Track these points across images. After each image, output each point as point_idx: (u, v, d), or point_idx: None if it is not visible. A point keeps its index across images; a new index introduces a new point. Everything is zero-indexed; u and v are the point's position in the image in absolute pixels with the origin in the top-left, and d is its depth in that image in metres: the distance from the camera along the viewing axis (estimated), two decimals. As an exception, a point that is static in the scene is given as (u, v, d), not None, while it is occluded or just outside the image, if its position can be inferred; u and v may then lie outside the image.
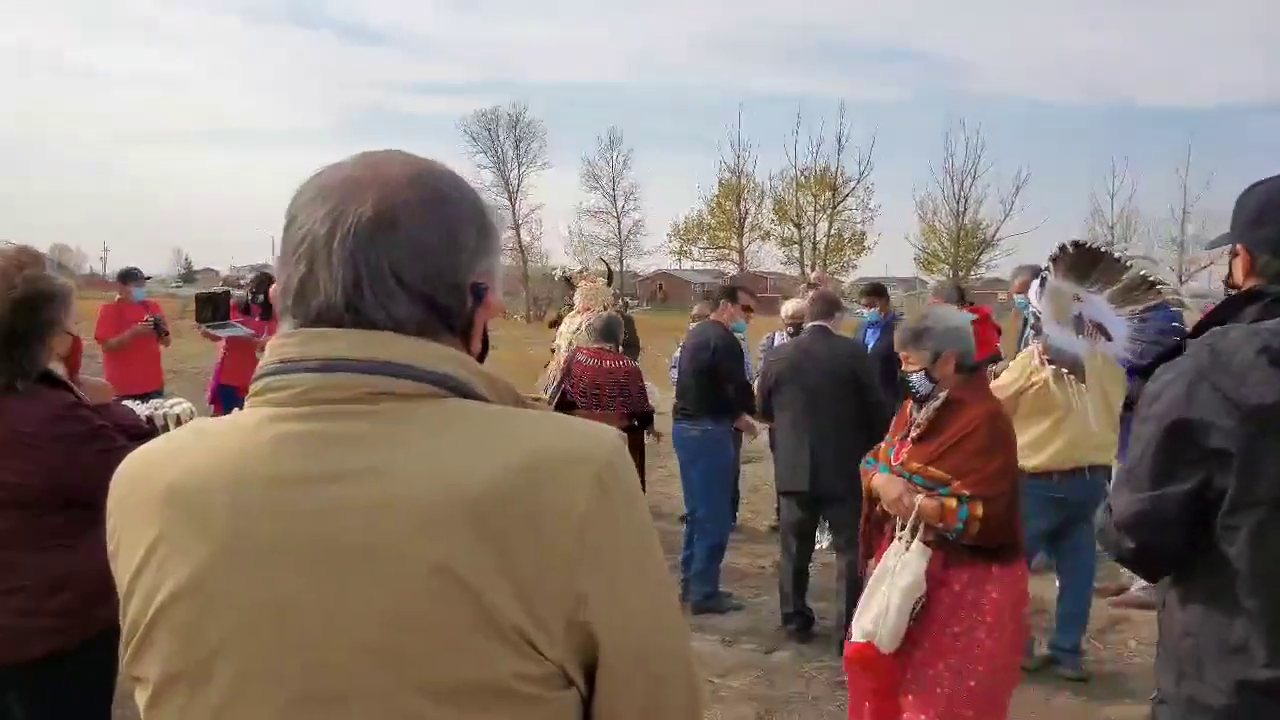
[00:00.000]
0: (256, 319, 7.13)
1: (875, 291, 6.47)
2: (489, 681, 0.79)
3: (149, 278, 7.79)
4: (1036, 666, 4.08)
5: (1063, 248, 3.92)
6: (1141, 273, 3.82)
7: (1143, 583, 4.78)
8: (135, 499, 0.87)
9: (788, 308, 6.23)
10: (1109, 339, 3.84)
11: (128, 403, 3.19)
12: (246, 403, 0.88)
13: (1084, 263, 3.88)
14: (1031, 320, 4.24)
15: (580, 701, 0.85)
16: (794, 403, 4.51)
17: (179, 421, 3.09)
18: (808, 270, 31.67)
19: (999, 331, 5.84)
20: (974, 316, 3.25)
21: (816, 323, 4.62)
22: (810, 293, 5.40)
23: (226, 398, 7.25)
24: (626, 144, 53.58)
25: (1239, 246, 1.72)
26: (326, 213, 0.85)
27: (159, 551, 0.84)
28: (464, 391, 0.85)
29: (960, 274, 32.28)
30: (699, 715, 0.92)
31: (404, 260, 0.85)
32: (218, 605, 0.81)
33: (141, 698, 0.87)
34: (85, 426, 2.17)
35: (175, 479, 0.85)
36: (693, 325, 5.76)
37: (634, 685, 0.85)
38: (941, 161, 37.50)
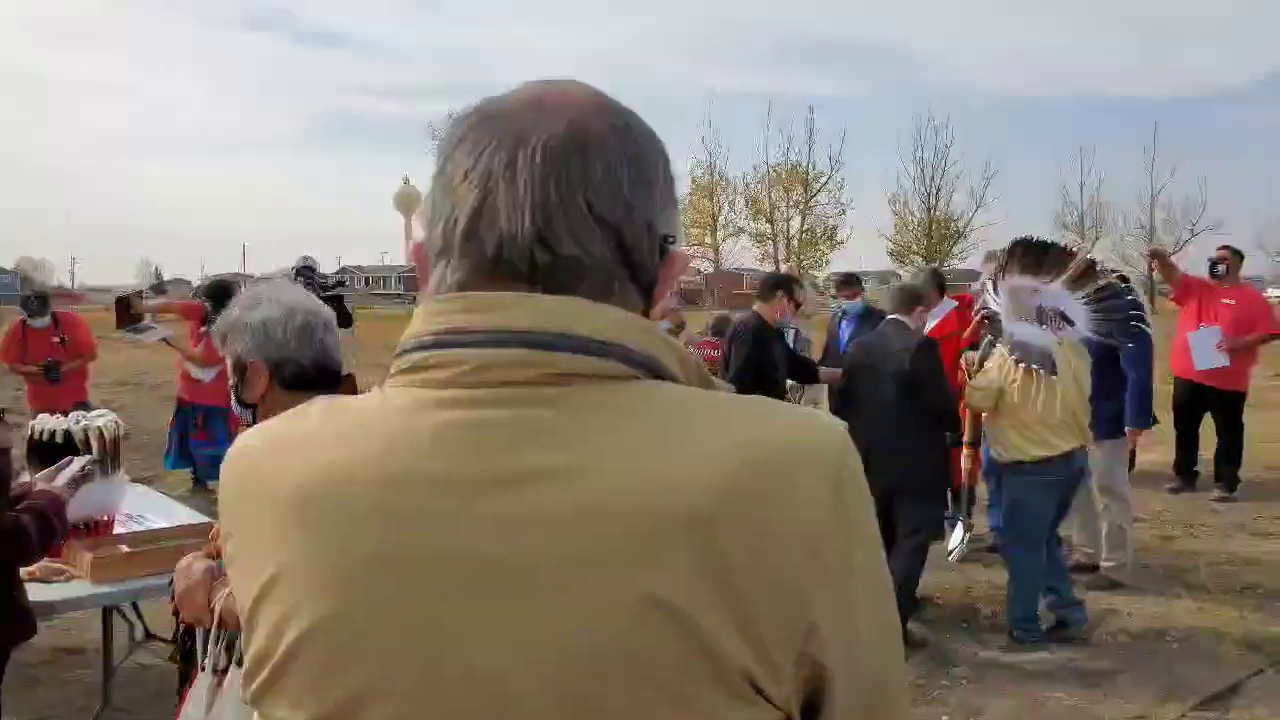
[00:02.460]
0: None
1: (847, 282, 6.40)
2: None
3: (48, 295, 7.84)
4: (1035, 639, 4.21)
5: (1013, 247, 4.36)
6: (1088, 256, 4.31)
7: (1109, 560, 4.99)
8: (254, 500, 0.72)
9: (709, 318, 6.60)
10: (1071, 324, 4.27)
11: (46, 417, 2.96)
12: (390, 380, 0.72)
13: (1035, 256, 4.31)
14: (991, 320, 4.49)
15: None
16: (861, 396, 4.57)
17: (101, 436, 2.86)
18: (782, 265, 31.63)
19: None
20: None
21: (893, 316, 4.65)
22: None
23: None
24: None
25: None
26: (504, 136, 0.71)
27: (290, 574, 0.69)
28: (658, 371, 0.71)
29: (933, 264, 32.31)
30: None
31: (597, 189, 0.70)
32: (368, 638, 0.66)
33: None
34: None
35: (308, 478, 0.69)
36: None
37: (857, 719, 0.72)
38: (912, 155, 37.67)
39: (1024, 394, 4.15)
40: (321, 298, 6.87)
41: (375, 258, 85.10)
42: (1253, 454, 7.16)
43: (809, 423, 0.71)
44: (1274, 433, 8.75)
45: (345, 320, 7.60)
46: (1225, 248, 7.20)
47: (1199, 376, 6.80)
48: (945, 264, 34.01)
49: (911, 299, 4.67)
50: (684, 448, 0.66)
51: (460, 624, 0.64)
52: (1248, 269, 7.49)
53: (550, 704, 0.63)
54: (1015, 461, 4.27)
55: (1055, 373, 4.12)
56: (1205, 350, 6.73)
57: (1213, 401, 6.84)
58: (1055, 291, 4.24)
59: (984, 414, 4.43)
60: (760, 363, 5.14)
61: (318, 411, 0.75)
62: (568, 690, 0.63)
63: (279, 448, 0.73)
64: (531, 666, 0.63)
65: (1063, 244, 4.39)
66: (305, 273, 7.47)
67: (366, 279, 74.07)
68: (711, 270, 38.67)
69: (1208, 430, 7.03)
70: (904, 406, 4.31)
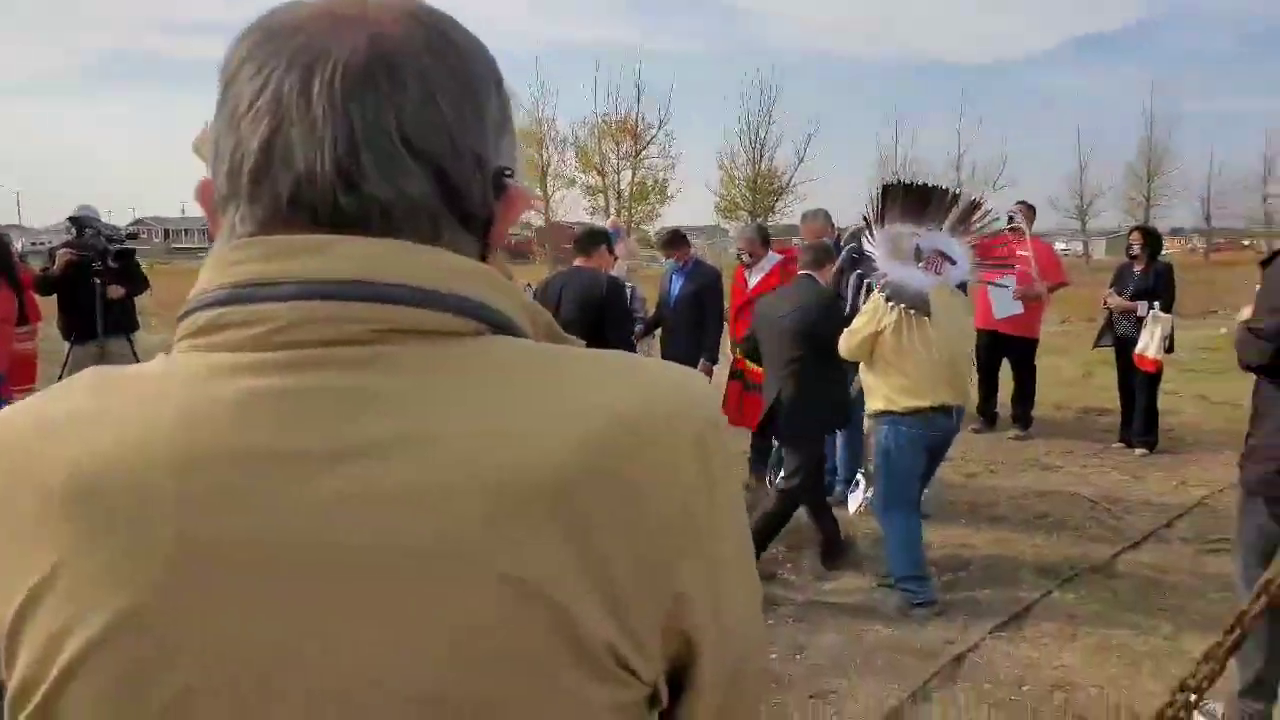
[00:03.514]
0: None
1: (671, 241, 6.36)
2: None
3: None
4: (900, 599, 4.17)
5: (890, 191, 4.17)
6: (972, 198, 4.19)
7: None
8: (14, 493, 0.58)
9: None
10: (953, 263, 4.13)
11: None
12: (177, 346, 0.61)
13: (916, 203, 4.14)
14: (870, 274, 4.37)
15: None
16: (767, 349, 4.66)
17: None
18: (613, 218, 31.71)
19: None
20: None
21: (804, 271, 4.68)
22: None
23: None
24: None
25: None
26: (295, 54, 0.60)
27: (63, 580, 0.56)
28: (503, 325, 0.62)
29: (759, 220, 33.31)
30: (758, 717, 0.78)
31: (413, 117, 0.60)
32: (174, 645, 0.55)
33: None
34: None
35: (85, 464, 0.57)
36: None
37: (720, 694, 0.68)
38: (738, 111, 38.52)
39: (898, 339, 4.00)
40: (111, 252, 6.10)
41: (176, 209, 79.31)
42: (1043, 395, 7.80)
43: (671, 379, 0.65)
44: (1062, 377, 9.58)
45: (138, 281, 6.81)
46: (1021, 203, 7.72)
47: (997, 325, 7.31)
48: (769, 219, 35.14)
49: (824, 255, 4.73)
50: (538, 410, 0.58)
51: (288, 622, 0.55)
52: (1040, 225, 8.07)
53: (398, 703, 0.56)
54: (884, 411, 4.14)
55: (929, 314, 3.98)
56: (1003, 299, 7.23)
57: (1009, 348, 7.37)
58: (936, 235, 4.13)
59: (860, 363, 4.29)
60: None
61: (87, 384, 0.63)
62: (419, 687, 0.56)
63: (45, 429, 0.60)
64: (375, 664, 0.55)
65: (944, 187, 4.24)
66: (85, 223, 6.65)
67: (166, 231, 69.10)
68: (542, 223, 38.31)
69: (1005, 375, 7.59)
70: (806, 359, 4.39)
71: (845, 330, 4.25)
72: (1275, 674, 2.90)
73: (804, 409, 4.44)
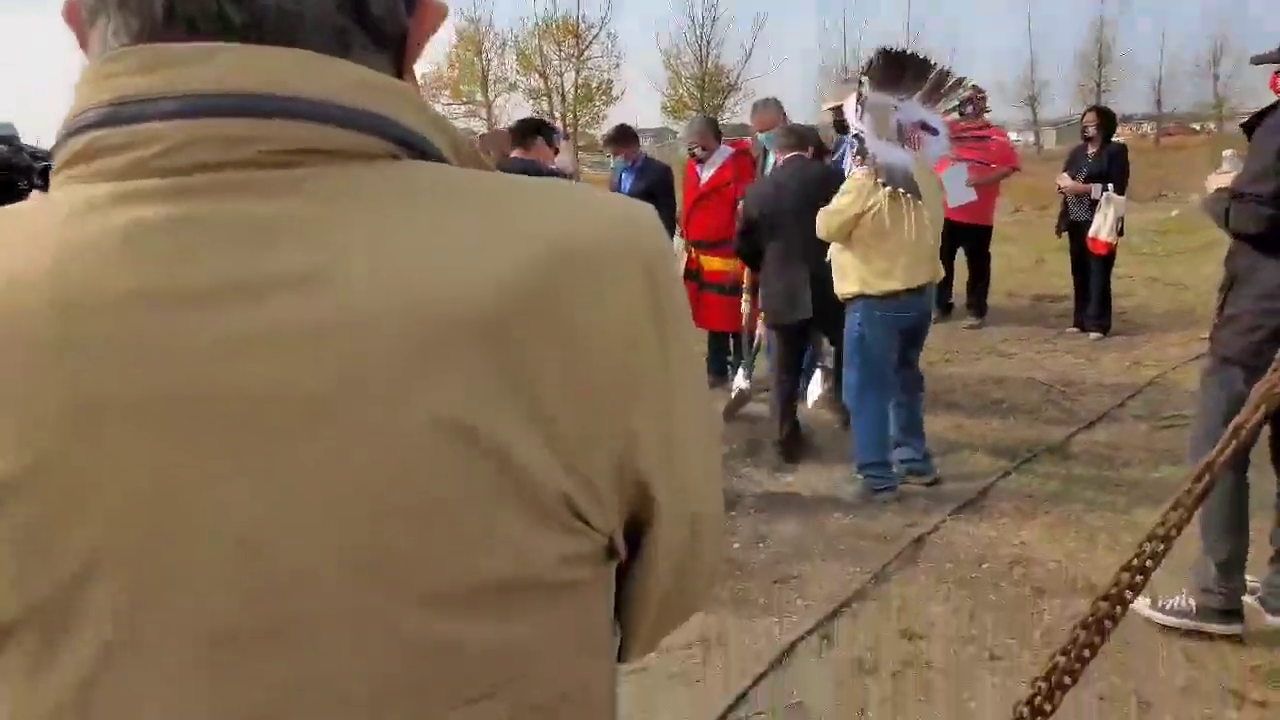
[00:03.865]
0: None
1: (618, 138, 6.13)
2: (524, 574, 0.55)
3: None
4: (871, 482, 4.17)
5: (872, 60, 4.01)
6: (944, 68, 4.07)
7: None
8: None
9: None
10: (934, 133, 4.06)
11: None
12: (54, 179, 0.55)
13: (894, 71, 4.00)
14: (853, 144, 4.17)
15: (615, 571, 0.65)
16: (785, 234, 4.39)
17: None
18: (556, 121, 31.02)
19: (755, 164, 5.78)
20: None
21: (793, 153, 4.50)
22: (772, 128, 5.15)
23: None
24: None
25: None
26: None
27: None
28: (423, 149, 0.57)
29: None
30: (718, 573, 0.77)
31: None
32: (72, 512, 0.50)
33: None
34: None
35: None
36: None
37: (678, 546, 0.66)
38: (683, 7, 37.58)
39: (881, 222, 3.83)
40: (36, 169, 5.79)
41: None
42: (996, 283, 7.83)
43: (617, 208, 0.60)
44: (1015, 265, 9.64)
45: None
46: (973, 87, 7.59)
47: (951, 213, 7.24)
48: (719, 118, 34.63)
49: (801, 139, 4.57)
50: (469, 238, 0.53)
51: (197, 476, 0.51)
52: (991, 114, 7.97)
53: (323, 558, 0.52)
54: (858, 294, 4.01)
55: (920, 197, 3.84)
56: (956, 187, 7.15)
57: (964, 236, 7.34)
58: (913, 105, 4.00)
59: (834, 244, 4.09)
60: None
61: None
62: (344, 541, 0.52)
63: None
64: (294, 518, 0.51)
65: (921, 55, 4.09)
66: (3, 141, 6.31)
67: (98, 151, 66.45)
68: (486, 130, 37.34)
69: (959, 264, 7.59)
70: (818, 240, 4.10)
71: (824, 210, 4.03)
72: (1242, 552, 2.91)
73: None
